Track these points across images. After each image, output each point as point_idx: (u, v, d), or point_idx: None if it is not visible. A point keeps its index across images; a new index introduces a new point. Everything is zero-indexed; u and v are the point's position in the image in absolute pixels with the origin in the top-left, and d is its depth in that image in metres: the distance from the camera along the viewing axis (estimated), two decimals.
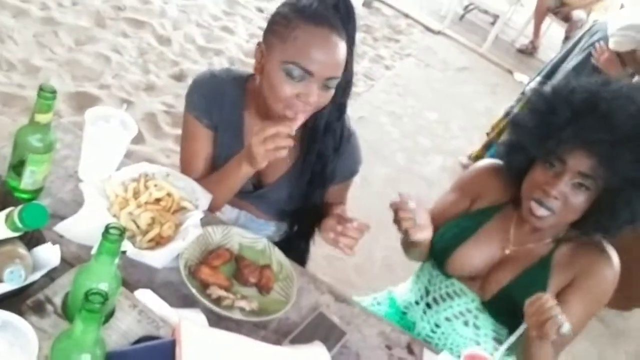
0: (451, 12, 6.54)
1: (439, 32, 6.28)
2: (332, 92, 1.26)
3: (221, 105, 1.39)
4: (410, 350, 1.30)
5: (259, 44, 1.28)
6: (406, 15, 6.26)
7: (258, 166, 1.26)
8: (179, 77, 3.58)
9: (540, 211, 1.27)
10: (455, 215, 1.48)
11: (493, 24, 6.68)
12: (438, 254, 1.44)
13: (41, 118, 1.08)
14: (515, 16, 7.22)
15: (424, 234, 1.27)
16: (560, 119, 1.26)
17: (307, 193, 1.45)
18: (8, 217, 0.91)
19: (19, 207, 0.90)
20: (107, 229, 0.86)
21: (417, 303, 1.54)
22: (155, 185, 1.25)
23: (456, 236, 1.43)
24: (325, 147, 1.40)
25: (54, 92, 1.06)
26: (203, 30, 4.21)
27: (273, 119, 1.27)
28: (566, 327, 1.16)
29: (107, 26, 3.70)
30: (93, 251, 0.93)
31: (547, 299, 1.20)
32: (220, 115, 1.40)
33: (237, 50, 4.18)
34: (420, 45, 5.83)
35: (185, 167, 1.45)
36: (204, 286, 1.17)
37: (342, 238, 1.26)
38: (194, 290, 1.12)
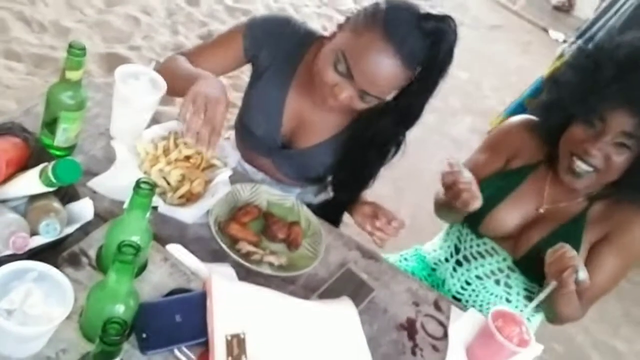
0: None
1: None
2: (368, 104, 1.24)
3: (276, 50, 1.37)
4: (437, 307, 1.31)
5: (347, 16, 1.26)
6: None
7: None
8: (207, 38, 3.56)
9: (582, 166, 1.24)
10: (487, 175, 1.46)
11: None
12: (472, 215, 1.42)
13: (72, 75, 1.09)
14: None
15: (478, 202, 1.24)
16: (604, 76, 1.22)
17: (343, 176, 1.44)
18: (42, 172, 0.93)
19: (53, 162, 0.92)
20: (138, 183, 0.88)
21: (446, 260, 1.55)
22: (185, 143, 1.26)
23: (491, 197, 1.40)
24: (369, 156, 1.39)
25: (83, 48, 1.06)
26: None
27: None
28: (582, 275, 1.18)
29: None
30: (125, 206, 0.95)
31: (569, 249, 1.21)
32: (272, 59, 1.38)
33: (265, 10, 4.12)
34: (452, 2, 5.66)
35: (195, 56, 1.40)
36: (233, 241, 1.19)
37: (378, 232, 1.28)
38: (223, 245, 1.14)
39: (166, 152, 1.23)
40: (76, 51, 1.06)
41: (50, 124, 1.14)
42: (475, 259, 1.47)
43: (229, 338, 0.90)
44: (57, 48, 2.91)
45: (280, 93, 1.40)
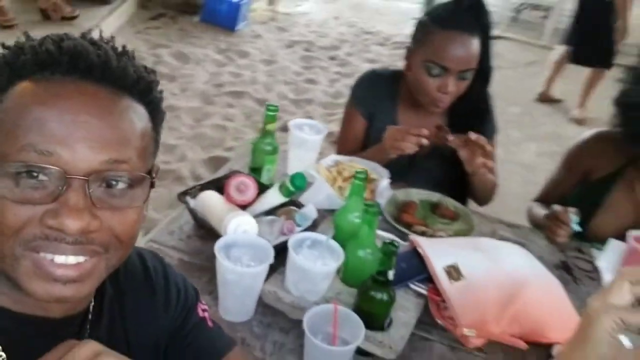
0: (504, 17, 6.85)
1: (498, 37, 6.55)
2: (467, 81, 1.57)
3: (379, 97, 1.75)
4: (580, 251, 1.57)
5: (406, 47, 1.64)
6: None
7: (389, 156, 1.60)
8: (284, 129, 4.04)
9: None
10: (571, 190, 1.65)
11: (546, 17, 6.90)
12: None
13: (270, 127, 1.49)
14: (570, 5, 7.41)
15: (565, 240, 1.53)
16: None
17: (456, 161, 1.66)
18: (281, 186, 1.30)
19: (288, 177, 1.29)
20: (356, 174, 1.23)
21: None
22: (348, 166, 1.62)
23: (585, 210, 1.54)
24: (471, 125, 1.64)
25: (276, 106, 1.47)
26: (291, 86, 4.71)
27: (422, 110, 1.64)
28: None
29: (214, 102, 4.27)
30: (345, 195, 1.29)
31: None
32: (377, 105, 1.75)
33: (324, 95, 4.63)
34: None
35: (340, 145, 1.81)
36: (408, 226, 1.51)
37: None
38: (403, 229, 1.46)
39: (339, 173, 1.59)
40: (271, 107, 1.46)
41: (255, 169, 1.53)
42: None
43: (447, 268, 1.20)
44: (170, 162, 3.43)
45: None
